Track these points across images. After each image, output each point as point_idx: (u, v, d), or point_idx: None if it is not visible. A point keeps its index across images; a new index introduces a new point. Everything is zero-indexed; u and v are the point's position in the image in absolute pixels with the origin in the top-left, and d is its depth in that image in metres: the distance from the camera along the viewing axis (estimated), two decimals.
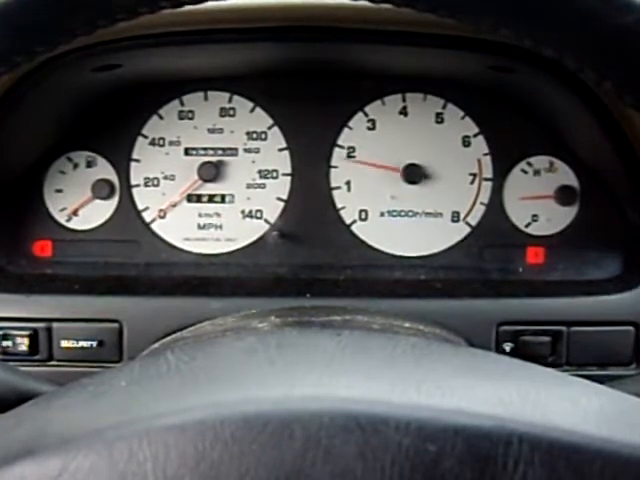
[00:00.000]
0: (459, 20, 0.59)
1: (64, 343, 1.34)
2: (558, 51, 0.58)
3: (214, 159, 1.55)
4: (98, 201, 1.54)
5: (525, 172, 1.54)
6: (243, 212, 1.56)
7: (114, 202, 1.55)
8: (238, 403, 0.52)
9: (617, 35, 0.55)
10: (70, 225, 1.55)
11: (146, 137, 1.55)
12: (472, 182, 1.55)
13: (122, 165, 1.55)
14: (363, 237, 1.56)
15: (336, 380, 0.55)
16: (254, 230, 1.56)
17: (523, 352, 1.33)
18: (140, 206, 1.55)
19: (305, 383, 0.55)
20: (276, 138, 1.55)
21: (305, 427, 0.49)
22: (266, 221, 1.56)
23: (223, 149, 1.55)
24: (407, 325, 1.15)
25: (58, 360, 1.35)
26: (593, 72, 0.59)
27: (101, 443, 0.50)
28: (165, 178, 1.55)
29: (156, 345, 1.25)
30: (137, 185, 1.55)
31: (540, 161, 1.53)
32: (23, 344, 1.33)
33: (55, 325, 1.34)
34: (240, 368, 0.60)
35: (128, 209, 1.55)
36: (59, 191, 1.54)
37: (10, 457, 0.51)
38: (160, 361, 0.63)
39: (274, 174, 1.56)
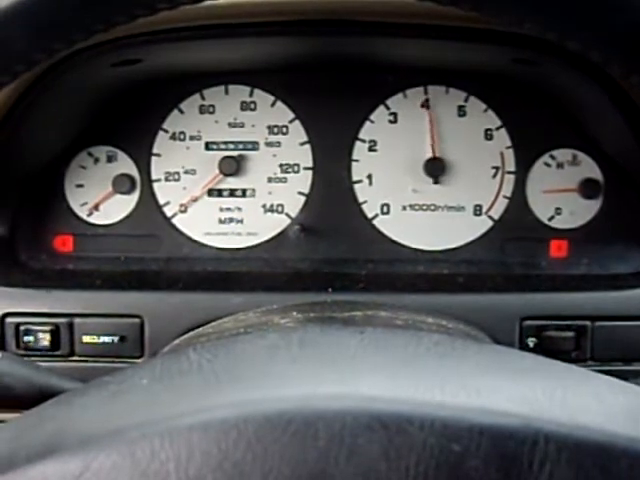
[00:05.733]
0: (482, 14, 0.58)
1: (85, 338, 1.34)
2: (583, 45, 0.57)
3: (235, 153, 1.54)
4: (119, 196, 1.54)
5: (548, 165, 1.53)
6: (264, 206, 1.56)
7: (135, 197, 1.55)
8: (261, 402, 0.51)
9: None
10: (91, 220, 1.55)
11: (167, 131, 1.55)
12: (494, 175, 1.54)
13: (143, 160, 1.55)
14: (385, 231, 1.55)
15: (359, 379, 0.55)
16: (275, 224, 1.56)
17: (547, 347, 1.32)
18: (161, 201, 1.55)
19: (328, 382, 0.54)
20: (297, 132, 1.55)
21: (328, 426, 0.49)
22: (287, 215, 1.55)
23: (244, 143, 1.55)
24: (430, 321, 1.15)
25: (79, 355, 1.35)
26: (619, 65, 0.58)
27: (123, 442, 0.50)
28: (186, 172, 1.55)
29: (177, 341, 1.25)
30: (158, 180, 1.55)
31: (563, 154, 1.52)
32: (45, 339, 1.33)
33: (76, 320, 1.34)
34: (263, 366, 0.60)
35: (149, 204, 1.55)
36: (80, 186, 1.55)
37: (32, 456, 0.51)
38: (182, 359, 0.63)
39: (295, 168, 1.55)
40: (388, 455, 0.48)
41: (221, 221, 1.56)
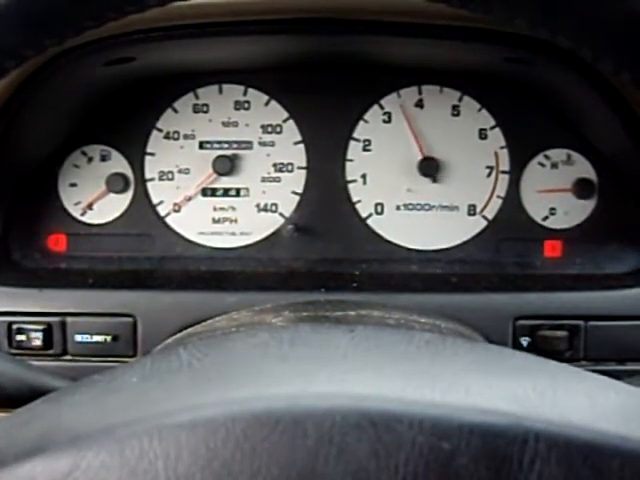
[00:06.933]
0: (473, 11, 0.58)
1: (78, 338, 1.34)
2: (574, 41, 0.57)
3: (229, 152, 1.54)
4: (112, 195, 1.54)
5: (542, 165, 1.53)
6: (258, 206, 1.56)
7: (128, 196, 1.55)
8: (250, 400, 0.51)
9: (633, 23, 0.55)
10: (84, 219, 1.55)
11: (161, 130, 1.54)
12: (489, 175, 1.54)
13: (137, 159, 1.55)
14: (379, 231, 1.55)
15: (349, 377, 0.55)
16: (269, 224, 1.55)
17: (540, 347, 1.32)
18: (155, 200, 1.55)
19: (318, 380, 0.54)
20: (291, 131, 1.55)
21: (317, 425, 0.49)
22: (281, 215, 1.55)
23: (238, 142, 1.55)
24: (423, 320, 1.15)
25: (72, 355, 1.35)
26: (609, 62, 0.58)
27: (112, 441, 0.50)
28: (180, 172, 1.55)
29: (169, 340, 1.25)
30: (152, 179, 1.55)
31: (557, 154, 1.52)
32: (37, 339, 1.33)
33: (69, 320, 1.34)
34: (252, 365, 0.60)
35: (143, 203, 1.55)
36: (73, 185, 1.54)
37: (21, 455, 0.50)
38: (172, 357, 0.62)
39: (289, 167, 1.55)
40: (377, 454, 0.48)
41: (215, 220, 1.56)
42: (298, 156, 1.55)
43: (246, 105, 1.55)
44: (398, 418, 0.49)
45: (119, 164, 1.55)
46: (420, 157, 1.53)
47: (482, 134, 1.54)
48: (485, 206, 1.54)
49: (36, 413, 0.59)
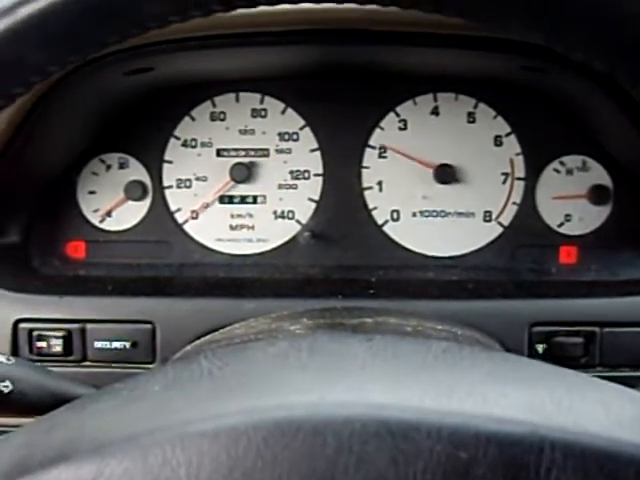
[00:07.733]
0: (484, 25, 0.58)
1: (98, 344, 1.35)
2: (589, 56, 0.57)
3: (246, 160, 1.55)
4: (131, 202, 1.55)
5: (558, 171, 1.53)
6: (275, 213, 1.56)
7: (147, 203, 1.56)
8: (270, 409, 0.52)
9: None
10: (103, 226, 1.56)
11: (178, 138, 1.55)
12: (504, 182, 1.54)
13: (154, 166, 1.55)
14: (395, 237, 1.55)
15: (368, 386, 0.55)
16: (286, 231, 1.56)
17: (556, 353, 1.32)
18: (172, 207, 1.56)
19: (337, 389, 0.55)
20: (308, 139, 1.55)
21: (337, 433, 0.49)
22: (298, 222, 1.56)
23: (255, 150, 1.56)
24: (440, 327, 1.15)
25: (92, 361, 1.36)
26: (625, 75, 0.58)
27: (135, 448, 0.50)
28: (197, 179, 1.56)
29: (189, 347, 1.26)
30: (169, 186, 1.56)
31: (573, 160, 1.53)
32: (57, 345, 1.34)
33: (89, 326, 1.35)
34: (272, 374, 0.60)
35: (161, 210, 1.56)
36: (92, 192, 1.55)
37: (45, 462, 0.51)
38: (193, 366, 0.63)
39: (306, 175, 1.56)
40: (396, 462, 0.49)
41: (232, 227, 1.57)
42: (314, 163, 1.55)
43: (263, 113, 1.56)
44: (416, 427, 0.49)
45: (137, 172, 1.56)
46: (436, 164, 1.53)
47: (497, 141, 1.54)
48: (501, 212, 1.54)
49: (59, 421, 0.60)
